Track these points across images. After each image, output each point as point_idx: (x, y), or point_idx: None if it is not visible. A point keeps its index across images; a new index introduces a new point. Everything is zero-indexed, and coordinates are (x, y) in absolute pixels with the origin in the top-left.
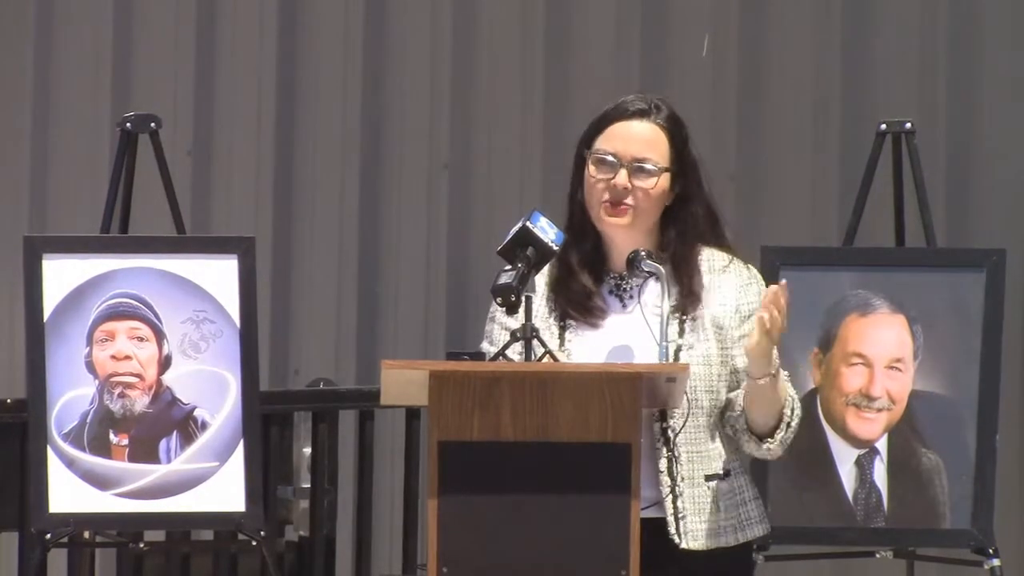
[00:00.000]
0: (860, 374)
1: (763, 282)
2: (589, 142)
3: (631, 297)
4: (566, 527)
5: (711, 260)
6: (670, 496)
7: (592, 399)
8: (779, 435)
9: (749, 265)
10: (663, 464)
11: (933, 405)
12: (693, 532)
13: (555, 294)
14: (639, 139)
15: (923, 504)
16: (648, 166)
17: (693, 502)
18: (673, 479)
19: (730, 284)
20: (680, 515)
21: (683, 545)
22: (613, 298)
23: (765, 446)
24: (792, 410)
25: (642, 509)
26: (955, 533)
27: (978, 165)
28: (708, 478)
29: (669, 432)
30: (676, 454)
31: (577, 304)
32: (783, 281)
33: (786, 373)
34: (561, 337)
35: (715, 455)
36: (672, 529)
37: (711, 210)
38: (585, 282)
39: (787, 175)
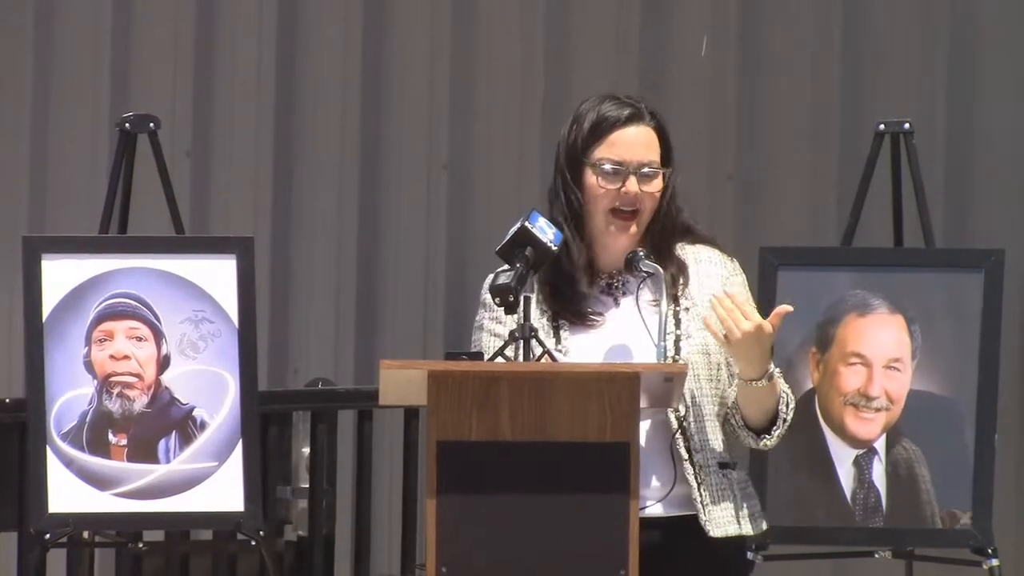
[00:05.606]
0: (858, 374)
1: (744, 275)
2: (586, 151)
3: (623, 294)
4: (565, 527)
5: (696, 253)
6: (697, 487)
7: (590, 399)
8: (776, 431)
9: (732, 258)
10: (685, 454)
11: (931, 405)
12: (715, 520)
13: (546, 297)
14: (640, 144)
15: (921, 504)
16: (652, 169)
17: (710, 490)
18: (695, 468)
19: (715, 276)
20: (703, 503)
21: (711, 533)
22: (606, 296)
23: (762, 442)
24: (787, 405)
25: (659, 501)
26: (954, 533)
27: (977, 165)
28: (721, 466)
29: (684, 424)
30: (694, 445)
31: (571, 308)
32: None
33: (778, 369)
34: (557, 337)
35: (723, 443)
36: (703, 517)
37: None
38: (578, 286)
39: (786, 175)
